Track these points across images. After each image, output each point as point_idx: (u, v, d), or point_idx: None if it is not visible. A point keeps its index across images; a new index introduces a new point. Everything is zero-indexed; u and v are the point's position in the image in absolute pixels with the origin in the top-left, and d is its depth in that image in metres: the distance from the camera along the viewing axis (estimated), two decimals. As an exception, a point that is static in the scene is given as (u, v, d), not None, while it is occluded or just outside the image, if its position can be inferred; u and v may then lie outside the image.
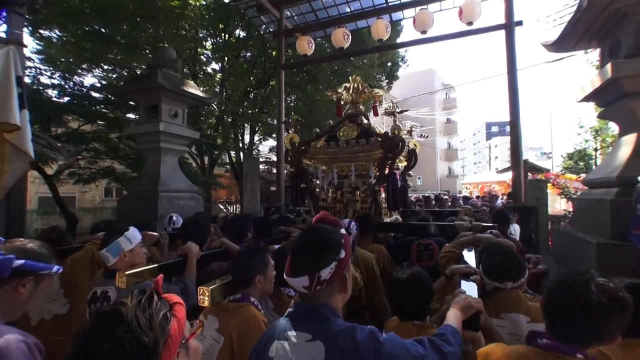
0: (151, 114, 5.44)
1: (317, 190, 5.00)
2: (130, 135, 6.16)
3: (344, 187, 4.82)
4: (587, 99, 4.23)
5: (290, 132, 5.08)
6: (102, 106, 8.99)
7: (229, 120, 13.17)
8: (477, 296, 1.62)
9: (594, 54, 10.92)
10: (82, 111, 8.30)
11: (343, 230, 1.29)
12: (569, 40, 4.31)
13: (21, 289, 1.36)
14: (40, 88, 8.24)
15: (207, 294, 1.80)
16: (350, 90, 4.94)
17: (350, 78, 5.12)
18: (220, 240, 3.03)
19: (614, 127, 12.11)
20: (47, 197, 9.58)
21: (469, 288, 1.77)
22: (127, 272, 1.98)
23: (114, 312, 0.78)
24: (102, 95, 8.57)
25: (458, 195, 13.89)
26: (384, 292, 2.76)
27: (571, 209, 9.43)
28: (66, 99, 8.49)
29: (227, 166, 16.35)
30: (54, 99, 8.38)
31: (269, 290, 2.00)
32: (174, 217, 4.00)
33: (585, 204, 4.15)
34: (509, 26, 6.07)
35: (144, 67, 8.78)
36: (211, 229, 3.52)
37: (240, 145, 14.75)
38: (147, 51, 8.92)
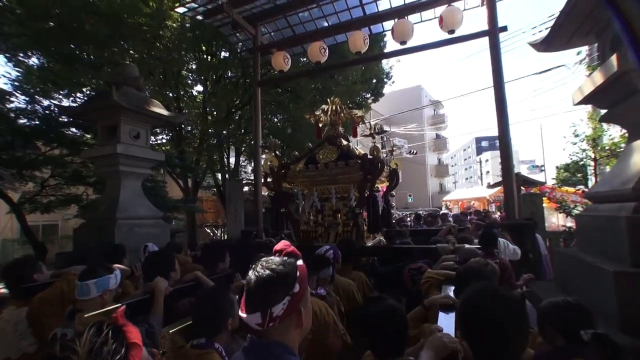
0: (111, 134, 5.10)
1: (299, 213, 4.94)
2: (89, 158, 5.69)
3: (325, 210, 4.77)
4: (586, 100, 3.73)
5: (268, 155, 5.12)
6: (66, 129, 8.52)
7: (213, 141, 12.80)
8: (454, 331, 1.51)
9: (584, 53, 10.75)
10: (46, 135, 7.87)
11: (300, 262, 1.24)
12: (561, 35, 3.86)
13: None
14: (5, 111, 7.87)
15: (168, 337, 1.76)
16: (329, 112, 4.91)
17: (328, 100, 5.07)
18: (194, 274, 2.87)
19: (613, 134, 11.74)
20: (33, 226, 9.05)
21: (448, 322, 1.67)
22: (87, 315, 1.79)
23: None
24: (67, 119, 8.06)
25: (451, 213, 13.52)
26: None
27: (570, 224, 9.02)
28: (24, 121, 8.09)
29: (214, 189, 15.85)
30: (22, 122, 8.02)
31: (236, 327, 1.88)
32: (149, 247, 3.71)
33: (592, 222, 3.51)
34: (493, 32, 5.83)
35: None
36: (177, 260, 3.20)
37: (226, 167, 14.41)
38: (116, 71, 8.51)
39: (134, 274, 3.06)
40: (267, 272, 1.13)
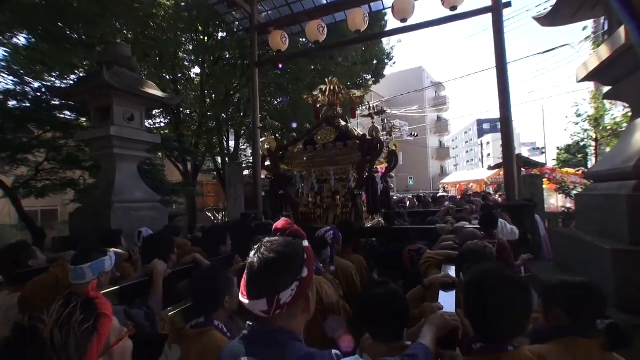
0: (104, 116, 5.00)
1: (298, 195, 4.91)
2: (82, 141, 5.60)
3: (324, 192, 4.72)
4: (590, 77, 3.61)
5: (267, 137, 5.10)
6: (59, 111, 8.36)
7: (212, 125, 12.70)
8: (454, 309, 1.53)
9: (590, 29, 10.50)
10: (37, 118, 7.71)
11: (306, 243, 1.17)
12: (567, 8, 3.73)
13: None
14: None
15: (167, 320, 1.74)
16: (327, 93, 4.83)
17: (326, 80, 4.99)
18: (192, 256, 2.86)
19: (615, 113, 11.57)
20: (31, 212, 8.98)
21: (448, 300, 1.70)
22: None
23: (30, 330, 0.79)
24: (60, 101, 7.90)
25: (448, 195, 13.52)
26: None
27: (569, 205, 8.97)
28: (14, 103, 7.94)
29: (214, 173, 15.80)
30: (11, 105, 7.85)
31: (234, 308, 1.83)
32: (142, 232, 3.66)
33: (591, 201, 3.47)
34: (496, 8, 5.63)
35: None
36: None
37: (226, 151, 14.33)
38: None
39: (132, 257, 3.06)
40: (273, 254, 1.05)
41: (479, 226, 3.59)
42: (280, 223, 1.42)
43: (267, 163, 4.77)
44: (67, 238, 5.06)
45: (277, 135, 5.00)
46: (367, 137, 4.17)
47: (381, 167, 4.85)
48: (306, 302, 1.09)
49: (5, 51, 8.33)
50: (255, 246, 1.11)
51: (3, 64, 8.30)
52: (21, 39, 8.47)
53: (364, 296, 1.77)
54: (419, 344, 1.27)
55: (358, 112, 5.20)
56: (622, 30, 2.87)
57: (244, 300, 1.06)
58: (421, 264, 2.66)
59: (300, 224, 4.51)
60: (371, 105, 4.90)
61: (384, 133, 4.63)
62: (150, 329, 1.97)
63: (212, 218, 16.61)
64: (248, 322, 1.12)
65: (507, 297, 1.19)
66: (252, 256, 1.08)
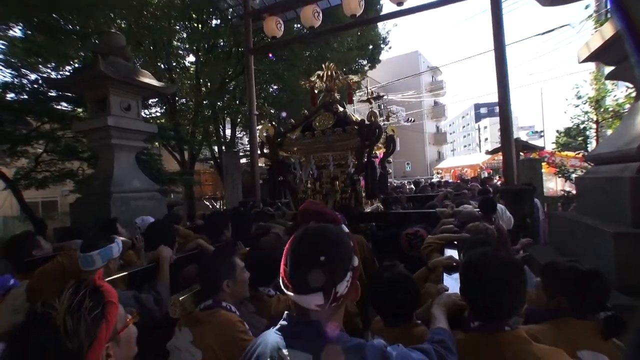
0: (101, 107, 4.98)
1: (296, 182, 4.89)
2: (80, 132, 5.57)
3: (323, 177, 4.73)
4: (592, 57, 3.55)
5: (264, 124, 5.10)
6: (56, 103, 8.32)
7: (208, 113, 12.62)
8: (459, 291, 1.50)
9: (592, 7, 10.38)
10: (35, 109, 7.69)
11: (346, 229, 1.09)
12: None
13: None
14: None
15: (178, 304, 1.75)
16: (324, 78, 4.82)
17: (323, 65, 4.95)
18: (196, 242, 2.93)
19: (617, 94, 11.47)
20: (32, 203, 8.98)
21: (452, 282, 1.73)
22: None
23: (43, 316, 0.84)
24: (57, 92, 7.84)
25: (442, 180, 13.56)
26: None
27: (569, 189, 8.98)
28: (12, 95, 7.87)
29: (211, 161, 15.75)
30: (10, 97, 7.81)
31: (243, 294, 1.89)
32: (137, 222, 3.63)
33: (593, 184, 3.43)
34: (495, -11, 5.51)
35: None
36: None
37: (222, 139, 14.27)
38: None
39: (135, 245, 3.07)
40: (324, 242, 0.99)
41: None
42: (308, 206, 1.19)
43: (266, 150, 4.76)
44: (68, 228, 5.08)
45: (274, 123, 5.10)
46: (366, 122, 4.16)
47: (380, 153, 4.88)
48: (355, 291, 1.03)
49: (2, 44, 8.21)
50: (296, 234, 1.05)
51: (0, 56, 8.18)
52: (17, 32, 8.36)
53: (374, 280, 1.79)
54: (440, 328, 1.27)
55: (355, 98, 5.20)
56: None
57: (292, 294, 0.99)
58: (423, 248, 2.68)
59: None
60: (369, 90, 4.86)
61: (382, 118, 4.68)
62: (159, 313, 2.04)
63: (210, 206, 16.64)
64: (286, 312, 1.08)
65: (501, 279, 1.23)
66: (296, 246, 1.02)
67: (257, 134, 5.25)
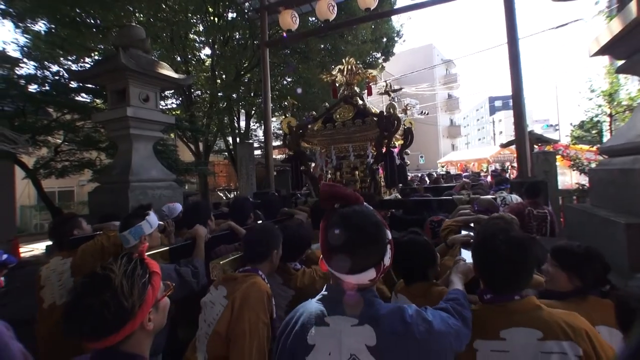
0: (120, 98, 5.09)
1: (317, 172, 5.11)
2: (99, 122, 5.71)
3: (343, 167, 4.92)
4: (603, 51, 3.55)
5: (287, 115, 5.18)
6: (76, 94, 8.51)
7: (223, 105, 12.75)
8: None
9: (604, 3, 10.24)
10: (56, 101, 7.86)
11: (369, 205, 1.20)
12: None
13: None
14: (14, 77, 7.88)
15: (219, 267, 2.00)
16: (345, 72, 4.97)
17: (343, 60, 5.09)
18: (228, 224, 3.07)
19: (631, 89, 11.33)
20: (49, 193, 9.27)
21: (469, 255, 1.81)
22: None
23: (105, 277, 0.97)
24: (77, 84, 8.06)
25: (465, 174, 13.52)
26: None
27: (584, 182, 8.89)
28: (34, 87, 8.06)
29: (225, 153, 15.94)
30: (32, 88, 7.98)
31: (276, 265, 2.08)
32: (164, 210, 3.84)
33: (605, 176, 3.43)
34: (507, -17, 5.48)
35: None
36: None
37: (237, 131, 14.45)
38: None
39: (166, 229, 3.20)
40: (367, 225, 1.08)
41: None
42: (334, 189, 1.21)
43: (288, 140, 4.94)
44: (86, 217, 5.27)
45: (287, 115, 5.19)
46: (385, 113, 4.29)
47: (397, 144, 4.98)
48: (392, 259, 1.15)
49: (27, 38, 8.48)
50: (332, 220, 1.11)
51: (25, 49, 8.48)
52: (41, 26, 8.65)
53: (395, 245, 1.89)
54: (455, 289, 1.42)
55: (374, 90, 5.29)
56: (633, 4, 2.82)
57: (345, 275, 1.07)
58: (441, 230, 2.87)
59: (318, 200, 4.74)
60: (387, 83, 4.98)
61: (400, 110, 4.74)
62: (197, 285, 2.25)
63: (224, 197, 16.86)
64: (327, 285, 1.19)
65: (510, 255, 1.30)
66: (341, 233, 1.07)
67: (281, 125, 5.40)
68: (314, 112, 5.17)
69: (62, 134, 8.45)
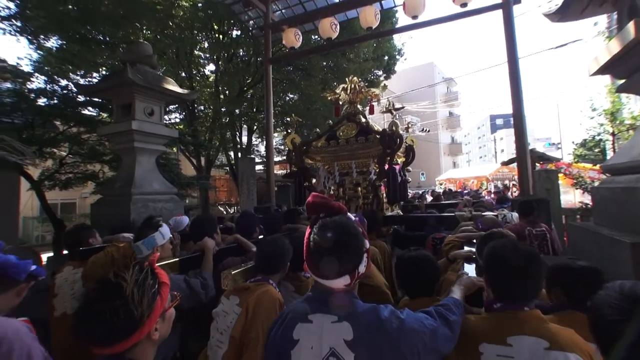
0: (126, 112, 5.18)
1: (320, 188, 5.17)
2: (104, 135, 5.77)
3: (346, 184, 5.00)
4: (602, 70, 3.58)
5: (290, 132, 5.35)
6: (83, 108, 8.63)
7: (226, 120, 12.92)
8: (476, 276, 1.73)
9: (603, 25, 10.42)
10: (63, 114, 7.95)
11: (352, 216, 1.30)
12: (576, 4, 3.72)
13: (23, 292, 1.53)
14: (25, 91, 7.96)
15: (230, 277, 2.07)
16: (348, 91, 5.09)
17: (347, 79, 5.22)
18: (235, 237, 3.15)
19: (633, 108, 11.44)
20: (51, 204, 9.25)
21: (471, 270, 1.95)
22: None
23: (116, 285, 1.01)
24: (85, 98, 8.18)
25: (465, 191, 13.54)
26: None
27: (587, 201, 8.86)
28: (43, 101, 8.13)
29: (227, 168, 16.00)
30: (41, 102, 8.07)
31: (284, 273, 2.18)
32: (171, 223, 3.82)
33: (608, 195, 3.42)
34: (506, 5, 5.67)
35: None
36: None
37: (238, 146, 14.56)
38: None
39: (172, 242, 3.20)
40: (343, 234, 1.17)
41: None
42: (315, 200, 1.34)
43: (288, 157, 5.10)
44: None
45: (289, 131, 5.31)
46: (388, 131, 4.38)
47: (400, 161, 5.03)
48: (368, 267, 1.25)
49: (39, 53, 8.72)
50: (315, 228, 1.22)
51: (36, 64, 8.66)
52: (53, 43, 8.87)
53: (400, 259, 2.04)
54: (448, 297, 1.49)
55: (377, 108, 5.38)
56: (631, 25, 2.87)
57: (323, 280, 1.18)
58: (444, 245, 2.95)
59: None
60: (389, 101, 5.07)
61: (402, 128, 4.82)
62: (205, 297, 2.30)
63: (224, 212, 16.85)
64: (311, 287, 1.31)
65: (522, 267, 1.35)
66: (318, 239, 1.18)
67: (286, 141, 5.50)
68: (317, 130, 5.42)
69: (67, 147, 8.49)
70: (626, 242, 2.70)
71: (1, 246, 1.50)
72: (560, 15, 4.00)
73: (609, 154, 12.62)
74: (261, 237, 3.26)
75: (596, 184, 8.93)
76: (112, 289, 1.00)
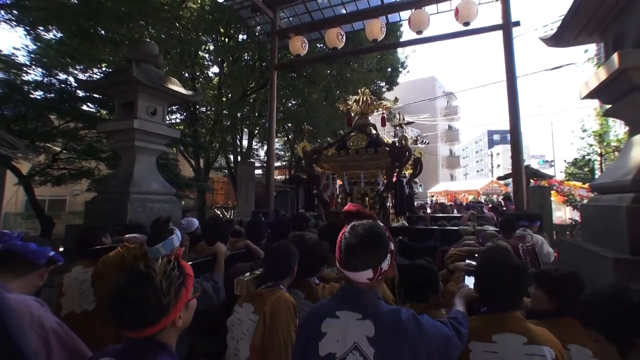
0: (127, 110, 5.13)
1: (328, 194, 5.27)
2: (104, 132, 5.76)
3: (354, 193, 5.06)
4: (591, 95, 3.78)
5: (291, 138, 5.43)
6: (81, 103, 8.57)
7: (227, 123, 12.94)
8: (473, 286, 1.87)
9: (592, 51, 10.72)
10: (60, 108, 7.89)
11: (380, 223, 1.45)
12: (569, 31, 3.90)
13: (44, 276, 1.68)
14: (18, 83, 7.86)
15: (243, 284, 2.20)
16: (360, 102, 5.18)
17: (359, 91, 5.32)
18: (245, 243, 3.22)
19: (618, 131, 11.74)
20: (39, 201, 8.98)
21: (470, 282, 2.02)
22: None
23: (148, 275, 1.09)
24: (84, 93, 8.15)
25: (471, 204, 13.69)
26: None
27: (577, 218, 8.99)
28: (39, 94, 8.10)
29: (225, 170, 16.01)
30: (36, 96, 8.00)
31: (293, 278, 2.22)
32: (183, 223, 3.99)
33: (595, 212, 3.58)
34: (506, 27, 5.90)
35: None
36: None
37: (238, 149, 14.57)
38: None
39: (182, 243, 3.31)
40: (371, 234, 1.32)
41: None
42: (352, 207, 1.64)
43: (296, 164, 5.12)
44: (80, 226, 5.16)
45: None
46: (397, 144, 4.50)
47: (407, 173, 5.13)
48: (392, 269, 1.36)
49: (37, 45, 8.57)
50: (348, 228, 1.37)
51: (33, 56, 8.52)
52: (51, 35, 8.72)
53: (402, 270, 2.20)
54: (456, 310, 1.60)
55: (377, 118, 5.48)
56: (615, 56, 3.06)
57: (348, 272, 1.31)
58: (446, 258, 3.07)
59: (330, 223, 4.84)
60: (400, 115, 5.20)
61: (411, 141, 4.97)
62: (217, 299, 2.37)
63: (221, 215, 16.78)
64: (341, 286, 1.44)
65: (506, 277, 1.53)
66: (347, 237, 1.34)
67: (297, 149, 5.57)
68: (329, 140, 5.49)
69: (61, 142, 8.39)
70: (609, 257, 2.84)
71: (21, 235, 1.64)
72: (554, 40, 4.18)
73: (597, 173, 12.91)
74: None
75: (585, 201, 9.11)
76: (143, 278, 1.09)
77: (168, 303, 1.09)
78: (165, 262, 1.15)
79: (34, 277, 1.63)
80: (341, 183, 5.10)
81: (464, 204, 13.50)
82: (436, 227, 4.46)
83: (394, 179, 4.52)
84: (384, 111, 5.40)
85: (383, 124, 5.49)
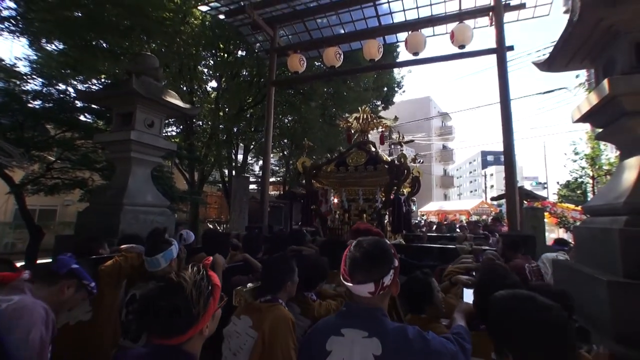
0: (125, 121, 5.14)
1: (326, 210, 5.28)
2: (101, 143, 5.76)
3: (352, 210, 5.10)
4: (583, 119, 3.85)
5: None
6: (79, 114, 8.61)
7: (223, 137, 12.98)
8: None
9: (583, 77, 11.00)
10: (58, 118, 7.89)
11: (386, 240, 1.54)
12: (561, 58, 3.99)
13: (65, 289, 1.71)
14: (17, 92, 7.87)
15: (241, 295, 2.17)
16: (360, 120, 5.29)
17: (360, 108, 5.43)
18: (243, 256, 3.25)
19: (610, 155, 11.97)
20: (29, 210, 8.78)
21: (469, 296, 2.13)
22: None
23: (179, 285, 1.11)
24: (82, 104, 8.17)
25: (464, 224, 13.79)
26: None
27: (570, 240, 9.05)
28: (38, 103, 8.09)
29: (219, 184, 15.96)
30: (34, 105, 7.99)
31: (292, 294, 2.22)
32: (184, 235, 4.00)
33: (588, 234, 3.60)
34: (500, 50, 5.99)
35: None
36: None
37: (233, 164, 14.56)
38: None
39: (179, 255, 3.21)
40: (375, 249, 1.34)
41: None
42: (361, 225, 1.84)
43: (296, 179, 5.13)
44: (71, 237, 5.03)
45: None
46: (396, 162, 4.56)
47: (405, 192, 5.16)
48: (396, 286, 1.37)
49: (38, 55, 8.65)
50: (354, 243, 1.39)
51: (34, 66, 8.59)
52: (56, 46, 8.77)
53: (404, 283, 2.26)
54: (458, 325, 1.61)
55: (375, 136, 5.55)
56: (605, 82, 3.14)
57: (350, 284, 1.31)
58: (445, 275, 3.11)
59: (328, 238, 4.81)
60: (400, 133, 5.28)
61: (410, 160, 4.96)
62: None
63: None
64: (345, 303, 1.44)
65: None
66: (354, 251, 1.35)
67: (297, 164, 5.61)
68: (328, 155, 5.55)
69: (56, 151, 8.35)
70: (603, 280, 2.85)
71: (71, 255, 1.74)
72: (547, 65, 4.27)
73: (590, 195, 13.08)
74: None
75: (578, 223, 9.21)
76: (175, 287, 1.11)
77: (197, 313, 1.10)
78: (195, 272, 1.17)
79: (56, 289, 1.68)
80: (337, 199, 5.12)
81: (457, 225, 13.54)
82: (435, 246, 4.48)
83: (392, 197, 4.56)
84: (384, 129, 5.45)
85: (382, 142, 5.54)
